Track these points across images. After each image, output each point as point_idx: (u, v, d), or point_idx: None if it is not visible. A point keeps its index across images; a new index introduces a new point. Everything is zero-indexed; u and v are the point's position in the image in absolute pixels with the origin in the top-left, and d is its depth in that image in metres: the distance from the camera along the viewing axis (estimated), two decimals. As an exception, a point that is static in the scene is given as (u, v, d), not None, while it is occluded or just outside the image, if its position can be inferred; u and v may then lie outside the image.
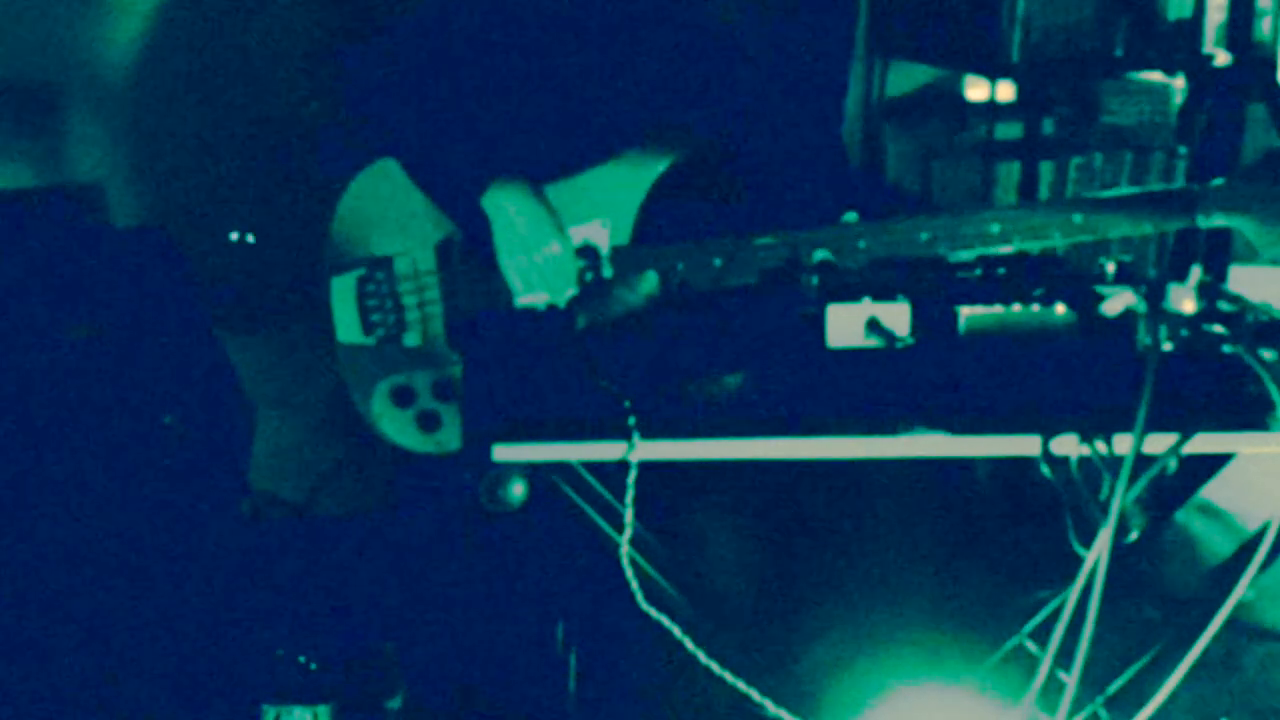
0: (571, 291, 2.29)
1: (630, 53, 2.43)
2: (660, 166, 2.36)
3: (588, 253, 2.32)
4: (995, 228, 2.01)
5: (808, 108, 2.47)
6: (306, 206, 2.62)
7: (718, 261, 2.11)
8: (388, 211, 2.47)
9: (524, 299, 2.35)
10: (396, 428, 2.46)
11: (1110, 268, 1.95)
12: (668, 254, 2.14)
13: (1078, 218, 1.97)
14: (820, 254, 1.99)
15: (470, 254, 2.44)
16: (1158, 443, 1.71)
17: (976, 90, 4.09)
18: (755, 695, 1.87)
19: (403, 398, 2.46)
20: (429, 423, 2.45)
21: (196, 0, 3.23)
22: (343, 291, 2.49)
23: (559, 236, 2.30)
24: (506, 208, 2.31)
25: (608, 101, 2.43)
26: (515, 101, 2.45)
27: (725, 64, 2.43)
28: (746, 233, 2.10)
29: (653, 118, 2.40)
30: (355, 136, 2.53)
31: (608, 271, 2.24)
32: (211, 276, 3.17)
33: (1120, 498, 1.66)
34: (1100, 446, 1.72)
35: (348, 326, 2.49)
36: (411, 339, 2.47)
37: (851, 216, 2.09)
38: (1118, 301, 1.80)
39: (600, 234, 2.35)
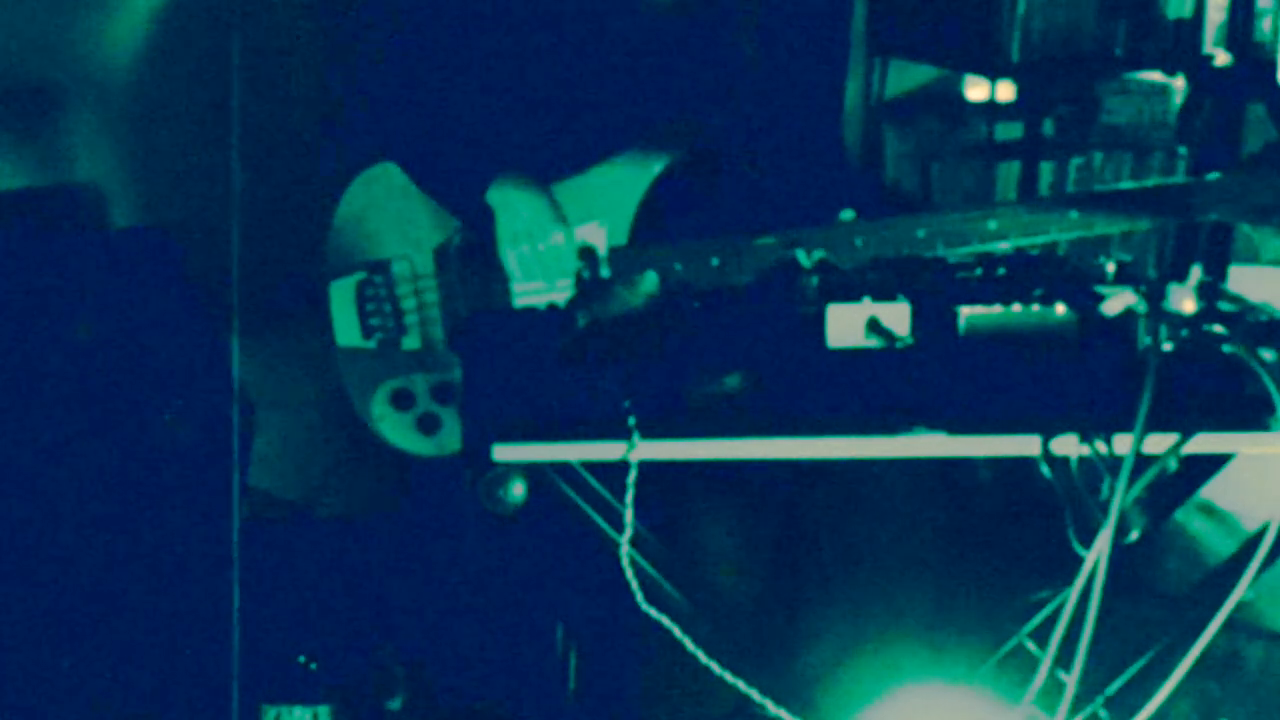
0: (567, 286, 2.30)
1: (628, 53, 2.43)
2: (657, 167, 2.36)
3: (585, 254, 2.32)
4: (992, 224, 2.01)
5: (806, 108, 2.47)
6: (307, 206, 2.61)
7: (715, 261, 2.12)
8: (386, 215, 2.47)
9: (521, 287, 2.35)
10: (396, 431, 2.46)
11: (1110, 268, 1.95)
12: (665, 254, 2.14)
13: (1074, 214, 1.98)
14: (818, 254, 1.99)
15: (468, 256, 2.44)
16: (1158, 443, 1.71)
17: (976, 90, 4.09)
18: (755, 695, 1.87)
19: (402, 401, 2.46)
20: (429, 425, 2.45)
21: (197, 0, 3.23)
22: (342, 295, 2.49)
23: (563, 228, 2.31)
24: (511, 199, 2.32)
25: (606, 102, 2.43)
26: (514, 103, 2.45)
27: (724, 64, 2.43)
28: (743, 233, 2.10)
29: (650, 118, 2.40)
30: (356, 136, 2.53)
31: (605, 273, 2.24)
32: (211, 276, 3.17)
33: (1120, 498, 1.66)
34: (1100, 446, 1.72)
35: (347, 330, 2.49)
36: (410, 342, 2.47)
37: (848, 214, 2.10)
38: (1118, 301, 1.80)
39: (597, 235, 2.35)
